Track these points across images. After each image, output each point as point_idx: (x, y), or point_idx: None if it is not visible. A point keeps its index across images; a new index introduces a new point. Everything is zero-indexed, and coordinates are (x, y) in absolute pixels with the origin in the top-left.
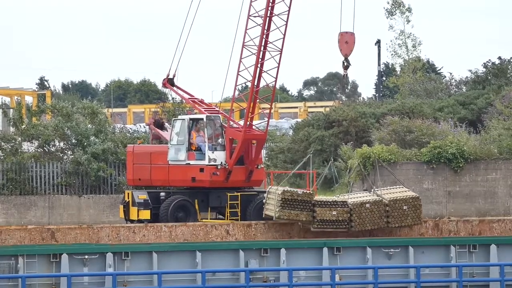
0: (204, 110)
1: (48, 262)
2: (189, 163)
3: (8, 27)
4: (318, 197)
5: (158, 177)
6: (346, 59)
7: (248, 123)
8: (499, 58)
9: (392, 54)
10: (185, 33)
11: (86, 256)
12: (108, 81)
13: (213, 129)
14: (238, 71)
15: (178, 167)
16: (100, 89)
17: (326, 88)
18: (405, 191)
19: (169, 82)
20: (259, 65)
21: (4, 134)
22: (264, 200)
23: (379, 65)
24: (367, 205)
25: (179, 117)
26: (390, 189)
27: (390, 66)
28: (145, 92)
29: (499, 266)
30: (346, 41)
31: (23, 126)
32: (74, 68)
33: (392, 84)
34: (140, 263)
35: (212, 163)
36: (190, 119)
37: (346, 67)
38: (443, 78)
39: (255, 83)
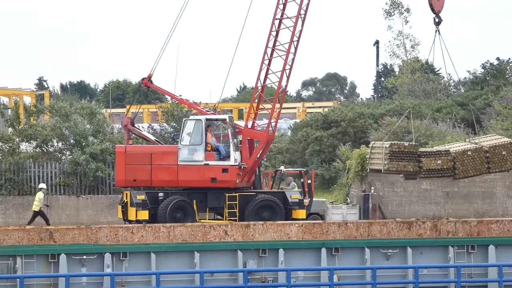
0: (206, 111)
1: (46, 262)
2: (207, 164)
3: (7, 27)
4: (423, 148)
5: (162, 177)
6: (437, 15)
7: (252, 122)
8: (498, 59)
9: (390, 55)
10: (176, 34)
11: (84, 257)
12: (107, 82)
13: (232, 130)
14: (260, 74)
15: (193, 167)
16: (98, 90)
17: (324, 89)
18: (500, 138)
19: (150, 81)
20: (287, 67)
21: (2, 135)
22: (367, 156)
23: (377, 65)
24: (469, 153)
25: (192, 117)
26: (484, 137)
27: (388, 67)
28: (144, 93)
29: (498, 267)
30: None
31: (20, 127)
32: (73, 69)
33: (390, 84)
34: (138, 263)
35: (236, 163)
36: (207, 119)
37: (438, 23)
38: (442, 79)
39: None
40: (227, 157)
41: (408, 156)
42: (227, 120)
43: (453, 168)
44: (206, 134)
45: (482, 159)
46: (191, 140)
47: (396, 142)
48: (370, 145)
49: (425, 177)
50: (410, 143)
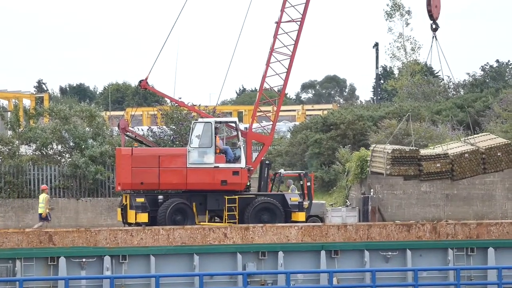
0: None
1: (46, 265)
2: (217, 166)
3: (6, 29)
4: (423, 151)
5: (170, 180)
6: (435, 22)
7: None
8: (497, 61)
9: (390, 57)
10: (175, 36)
11: (84, 259)
12: (106, 84)
13: (239, 133)
14: (265, 77)
15: (202, 170)
16: (98, 92)
17: (324, 91)
18: (495, 138)
19: (147, 83)
20: (287, 70)
21: (2, 137)
22: (368, 158)
23: (377, 68)
24: (466, 155)
25: (201, 120)
26: (478, 136)
27: (388, 69)
28: (143, 95)
29: (497, 269)
30: (436, 5)
31: (20, 129)
32: (72, 71)
33: (390, 87)
34: (138, 266)
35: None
36: (216, 122)
37: (435, 29)
38: (441, 81)
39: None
40: (235, 159)
41: (409, 160)
42: (237, 122)
43: (451, 170)
44: (215, 137)
45: (478, 160)
46: (201, 142)
47: (398, 148)
48: (371, 148)
49: (425, 180)
50: (411, 148)
